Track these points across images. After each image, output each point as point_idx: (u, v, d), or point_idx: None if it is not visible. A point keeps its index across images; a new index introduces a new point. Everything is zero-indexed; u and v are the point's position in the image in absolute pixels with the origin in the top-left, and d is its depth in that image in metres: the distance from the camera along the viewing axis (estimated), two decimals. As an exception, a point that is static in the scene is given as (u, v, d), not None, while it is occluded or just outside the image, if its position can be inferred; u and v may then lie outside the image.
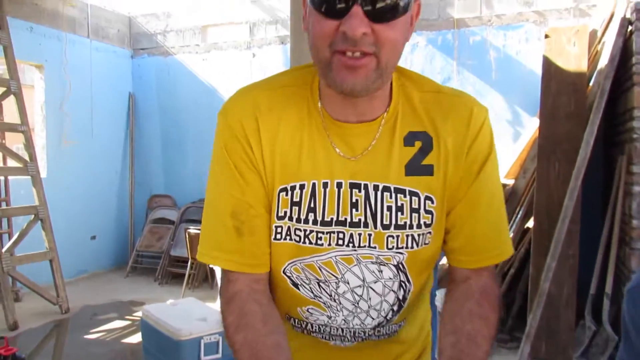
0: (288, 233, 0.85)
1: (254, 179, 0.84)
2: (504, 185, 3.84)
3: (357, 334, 0.92)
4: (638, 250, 3.00)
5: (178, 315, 2.78)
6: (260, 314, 0.83)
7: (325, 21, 0.72)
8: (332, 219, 0.83)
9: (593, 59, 3.67)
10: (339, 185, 0.83)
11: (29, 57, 5.03)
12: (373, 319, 0.91)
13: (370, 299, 0.89)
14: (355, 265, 0.86)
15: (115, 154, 6.01)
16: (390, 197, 0.83)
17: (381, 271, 0.86)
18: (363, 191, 0.83)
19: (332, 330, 0.92)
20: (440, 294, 1.48)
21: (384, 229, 0.83)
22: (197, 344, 2.60)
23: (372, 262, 0.85)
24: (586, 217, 3.33)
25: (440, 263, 1.53)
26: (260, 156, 0.84)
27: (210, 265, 4.44)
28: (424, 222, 0.84)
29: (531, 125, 4.21)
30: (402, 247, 0.84)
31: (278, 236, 0.86)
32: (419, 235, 0.84)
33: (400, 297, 0.90)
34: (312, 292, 0.89)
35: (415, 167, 0.84)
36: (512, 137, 4.46)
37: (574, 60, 3.47)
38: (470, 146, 0.84)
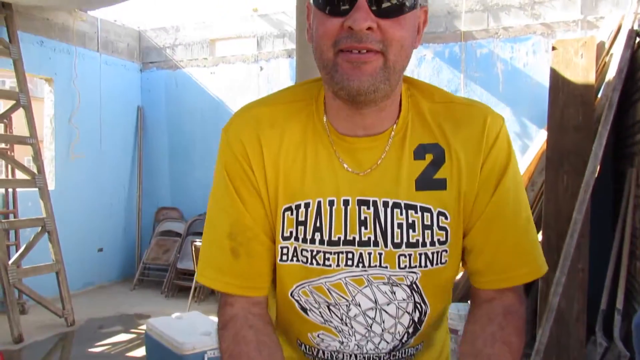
0: (295, 254, 0.82)
1: (253, 201, 0.82)
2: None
3: None
4: (649, 265, 2.95)
5: (182, 329, 2.76)
6: (254, 342, 0.80)
7: (329, 20, 0.70)
8: (339, 238, 0.80)
9: (601, 71, 3.65)
10: (346, 202, 0.80)
11: (39, 70, 5.09)
12: (388, 342, 0.87)
13: (383, 321, 0.85)
14: (366, 286, 0.82)
15: (123, 166, 6.04)
16: (401, 214, 0.79)
17: (394, 292, 0.82)
18: (372, 208, 0.79)
19: (344, 356, 0.89)
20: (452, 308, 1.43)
21: (395, 247, 0.79)
22: (200, 359, 2.58)
23: (384, 283, 0.82)
24: (596, 230, 3.28)
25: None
26: (262, 175, 0.81)
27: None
28: (438, 240, 0.80)
29: (539, 138, 4.18)
30: (415, 267, 0.80)
31: (284, 257, 0.83)
32: (432, 253, 0.80)
33: (416, 319, 0.86)
34: (322, 317, 0.86)
35: (427, 182, 0.79)
36: (519, 150, 4.42)
37: (581, 73, 3.45)
38: (486, 158, 0.80)
